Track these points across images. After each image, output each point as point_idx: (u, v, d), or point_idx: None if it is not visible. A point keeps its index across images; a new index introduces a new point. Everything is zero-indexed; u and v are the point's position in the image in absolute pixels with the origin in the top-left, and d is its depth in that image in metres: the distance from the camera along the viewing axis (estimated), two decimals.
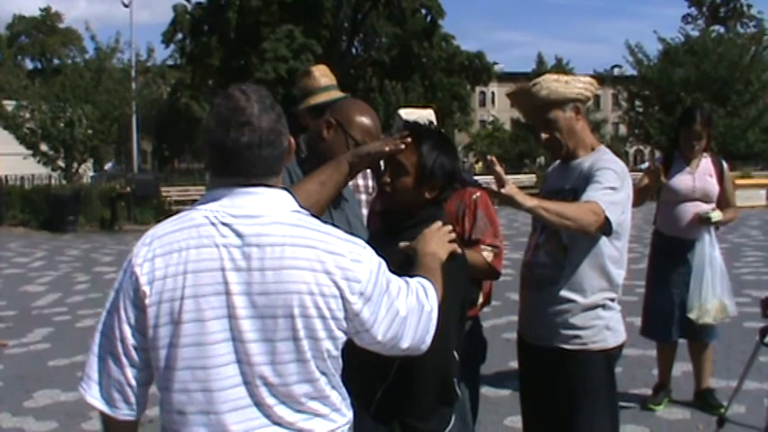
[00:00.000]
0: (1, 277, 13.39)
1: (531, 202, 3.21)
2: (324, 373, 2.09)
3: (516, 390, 6.21)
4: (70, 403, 6.53)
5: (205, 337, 2.00)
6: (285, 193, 2.16)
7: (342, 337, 2.11)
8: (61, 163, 25.52)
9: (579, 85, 3.67)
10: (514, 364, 6.75)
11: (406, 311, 2.19)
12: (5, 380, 7.36)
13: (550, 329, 3.62)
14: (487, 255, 3.76)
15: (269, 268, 2.02)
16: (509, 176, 3.28)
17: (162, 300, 2.01)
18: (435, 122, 4.00)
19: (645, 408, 6.08)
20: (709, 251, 5.68)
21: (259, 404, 2.04)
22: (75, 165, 25.89)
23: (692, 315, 5.73)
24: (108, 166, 37.65)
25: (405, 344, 2.22)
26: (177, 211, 2.20)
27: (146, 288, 2.02)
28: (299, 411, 2.07)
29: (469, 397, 3.97)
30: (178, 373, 2.02)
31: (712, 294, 5.63)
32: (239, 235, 2.03)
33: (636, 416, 5.90)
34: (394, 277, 2.22)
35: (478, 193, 3.85)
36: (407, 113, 4.11)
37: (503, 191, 3.08)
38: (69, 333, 9.30)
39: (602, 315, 3.60)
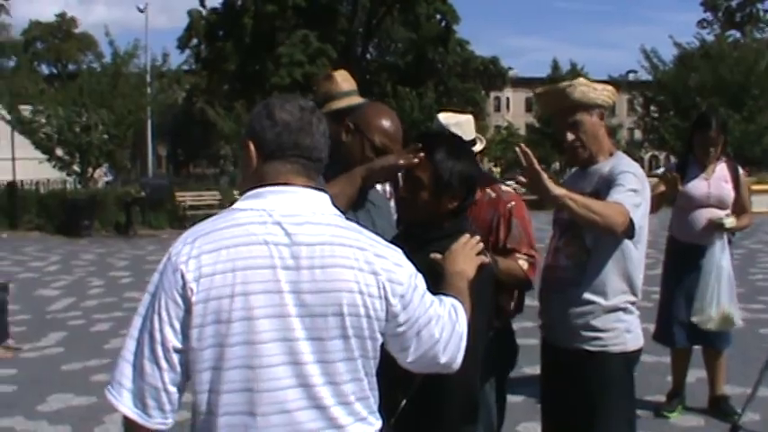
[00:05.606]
0: (16, 281, 13.37)
1: (559, 190, 3.27)
2: (366, 374, 2.11)
3: (530, 396, 6.24)
4: (83, 407, 6.53)
5: (254, 336, 1.98)
6: (326, 195, 2.17)
7: (380, 339, 2.12)
8: (76, 167, 25.61)
9: (606, 93, 3.76)
10: (528, 370, 6.79)
11: (440, 322, 2.20)
12: (19, 384, 7.38)
13: (571, 331, 3.65)
14: (523, 263, 3.75)
15: (318, 267, 2.02)
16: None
17: (210, 297, 1.97)
18: (470, 128, 4.02)
19: (658, 415, 6.05)
20: (718, 258, 5.63)
21: (315, 406, 2.03)
22: (91, 169, 25.99)
23: (695, 319, 5.71)
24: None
25: (441, 358, 2.21)
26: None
27: (193, 285, 1.97)
28: (350, 414, 2.07)
29: (496, 402, 3.94)
30: (227, 374, 1.99)
31: (716, 303, 5.57)
32: (288, 234, 2.03)
33: (649, 423, 5.86)
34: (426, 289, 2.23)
35: (513, 202, 3.84)
36: (446, 117, 4.11)
37: (534, 167, 3.17)
38: (83, 337, 9.33)
39: (623, 318, 3.64)
